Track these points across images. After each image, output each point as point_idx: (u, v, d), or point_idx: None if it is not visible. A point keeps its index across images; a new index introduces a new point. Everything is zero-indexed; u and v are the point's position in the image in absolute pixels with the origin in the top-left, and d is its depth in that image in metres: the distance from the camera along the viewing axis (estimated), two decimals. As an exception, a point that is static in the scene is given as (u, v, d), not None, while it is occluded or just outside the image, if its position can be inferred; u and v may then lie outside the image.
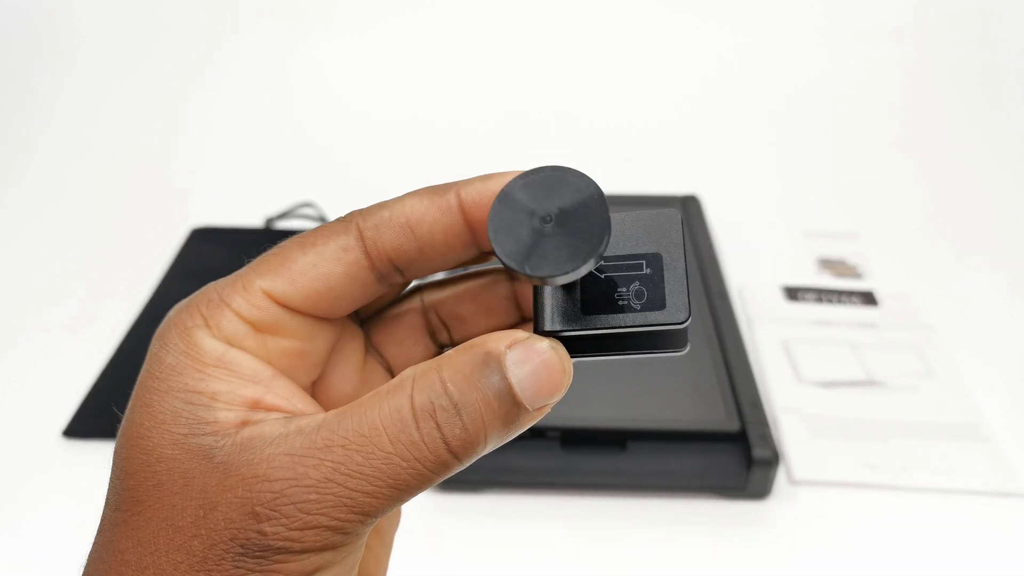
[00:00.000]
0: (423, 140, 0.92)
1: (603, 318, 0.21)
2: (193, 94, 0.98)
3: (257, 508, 0.18)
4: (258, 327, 0.22)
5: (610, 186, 0.80)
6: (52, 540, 0.49)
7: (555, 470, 0.52)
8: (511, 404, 0.19)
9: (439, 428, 0.19)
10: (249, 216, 0.79)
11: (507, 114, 0.95)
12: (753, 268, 0.74)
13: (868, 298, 0.70)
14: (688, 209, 0.76)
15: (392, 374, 0.26)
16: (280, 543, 0.18)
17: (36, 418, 0.58)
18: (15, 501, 0.53)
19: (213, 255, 0.74)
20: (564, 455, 0.52)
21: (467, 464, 0.20)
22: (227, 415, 0.20)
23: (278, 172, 0.88)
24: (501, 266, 0.21)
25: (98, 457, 0.54)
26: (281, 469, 0.19)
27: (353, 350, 0.25)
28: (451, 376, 0.19)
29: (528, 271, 0.19)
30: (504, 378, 0.19)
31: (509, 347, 0.20)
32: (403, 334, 0.26)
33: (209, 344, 0.21)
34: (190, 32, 1.01)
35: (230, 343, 0.21)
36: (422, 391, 0.19)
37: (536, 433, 0.52)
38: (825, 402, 0.59)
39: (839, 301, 0.69)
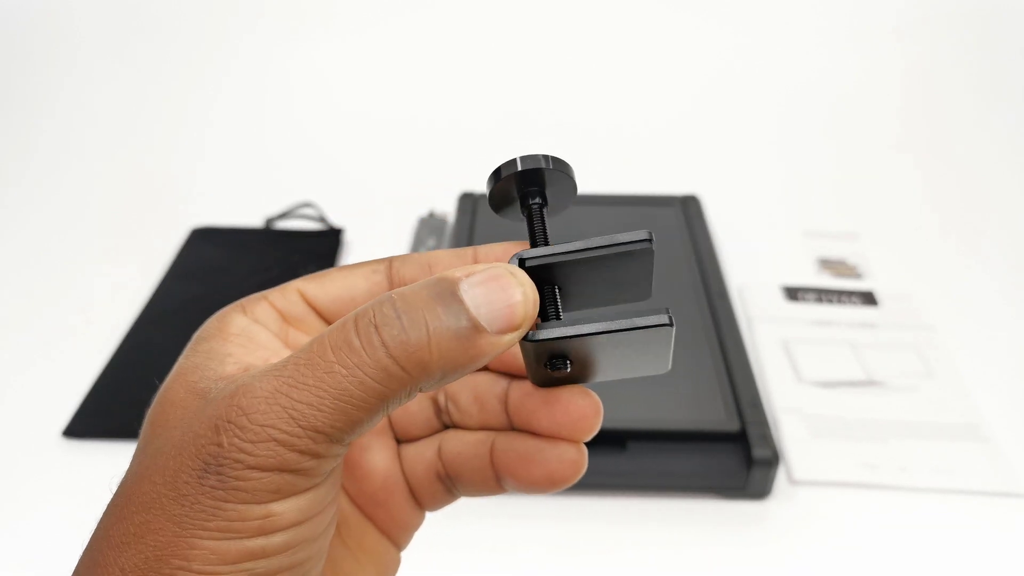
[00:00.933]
0: (423, 141, 0.92)
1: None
2: (193, 94, 0.98)
3: (219, 422, 0.19)
4: (286, 317, 0.24)
5: (611, 186, 0.81)
6: (52, 540, 0.49)
7: (555, 470, 0.52)
8: (464, 320, 0.19)
9: (377, 330, 0.19)
10: (249, 216, 0.79)
11: (507, 114, 0.95)
12: (753, 268, 0.74)
13: (868, 298, 0.70)
14: (688, 209, 0.76)
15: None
16: (235, 455, 0.19)
17: (36, 418, 0.58)
18: (15, 501, 0.53)
19: (213, 255, 0.74)
20: (564, 455, 0.52)
21: (422, 382, 0.19)
22: (233, 370, 0.22)
23: (278, 172, 0.88)
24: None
25: (98, 457, 0.55)
26: (246, 388, 0.19)
27: None
28: (400, 292, 0.20)
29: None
30: (455, 295, 0.19)
31: (467, 274, 0.20)
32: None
33: (238, 320, 0.23)
34: (190, 32, 1.01)
35: (257, 322, 0.24)
36: (368, 305, 0.20)
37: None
38: (825, 402, 0.59)
39: (839, 301, 0.69)
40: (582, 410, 0.25)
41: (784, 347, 0.64)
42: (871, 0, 1.00)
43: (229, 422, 0.19)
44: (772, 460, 0.51)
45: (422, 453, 0.27)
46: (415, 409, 0.27)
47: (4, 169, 0.89)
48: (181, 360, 0.23)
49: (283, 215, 0.79)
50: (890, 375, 0.61)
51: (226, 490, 0.19)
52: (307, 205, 0.80)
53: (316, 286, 0.24)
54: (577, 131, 0.93)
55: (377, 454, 0.27)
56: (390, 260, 0.25)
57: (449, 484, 0.27)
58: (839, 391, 0.60)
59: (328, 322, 0.25)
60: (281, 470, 0.19)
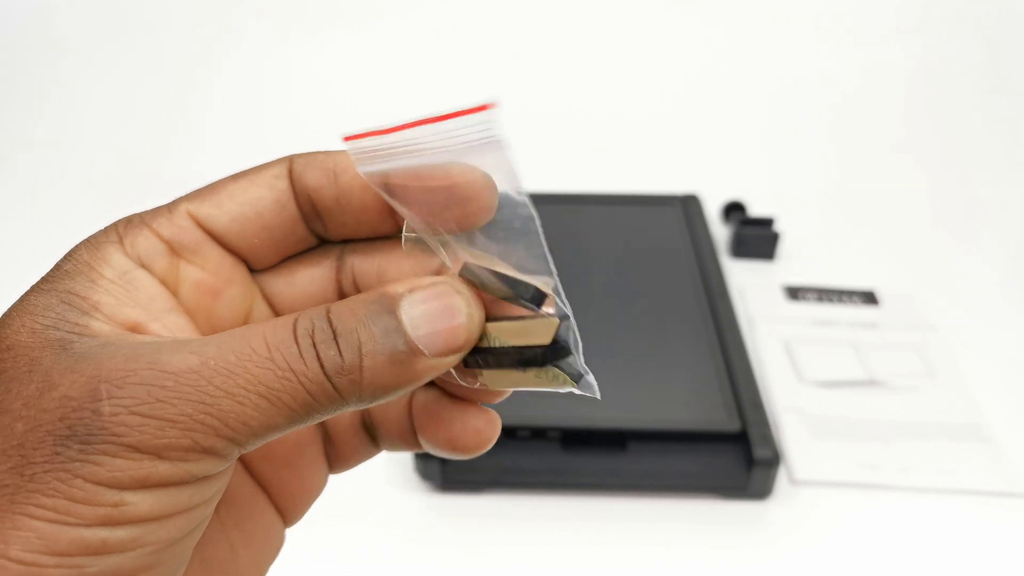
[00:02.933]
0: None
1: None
2: (193, 94, 0.98)
3: (102, 384, 0.16)
4: (175, 248, 0.20)
5: (611, 185, 0.80)
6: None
7: (555, 470, 0.52)
8: (401, 343, 0.18)
9: (315, 347, 0.17)
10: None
11: (506, 113, 0.94)
12: (754, 267, 0.74)
13: (869, 298, 0.70)
14: (688, 208, 0.76)
15: None
16: (114, 426, 0.16)
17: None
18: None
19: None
20: (564, 455, 0.52)
21: (352, 403, 0.18)
22: (100, 326, 0.18)
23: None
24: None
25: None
26: (145, 356, 0.17)
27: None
28: (336, 308, 0.18)
29: None
30: (394, 316, 0.18)
31: (410, 290, 0.18)
32: (312, 289, 0.23)
33: (115, 259, 0.19)
34: (189, 32, 1.01)
35: (140, 262, 0.20)
36: (306, 316, 0.18)
37: (536, 433, 0.52)
38: (826, 402, 0.59)
39: (840, 301, 0.69)
40: (477, 426, 0.22)
41: (785, 347, 0.64)
42: (870, 2, 1.00)
43: (119, 388, 0.16)
44: (773, 460, 0.50)
45: None
46: None
47: (3, 171, 0.89)
48: (31, 295, 0.19)
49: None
50: (891, 375, 0.61)
51: (84, 463, 0.16)
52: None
53: (211, 205, 0.20)
54: (577, 131, 0.93)
55: None
56: (290, 160, 0.21)
57: (373, 432, 0.24)
58: (840, 391, 0.60)
59: (230, 249, 0.21)
60: (160, 457, 0.16)
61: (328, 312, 0.18)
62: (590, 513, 0.52)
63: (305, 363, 0.17)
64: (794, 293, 0.70)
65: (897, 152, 0.91)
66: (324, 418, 0.18)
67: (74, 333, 0.18)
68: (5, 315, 0.19)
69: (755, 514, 0.52)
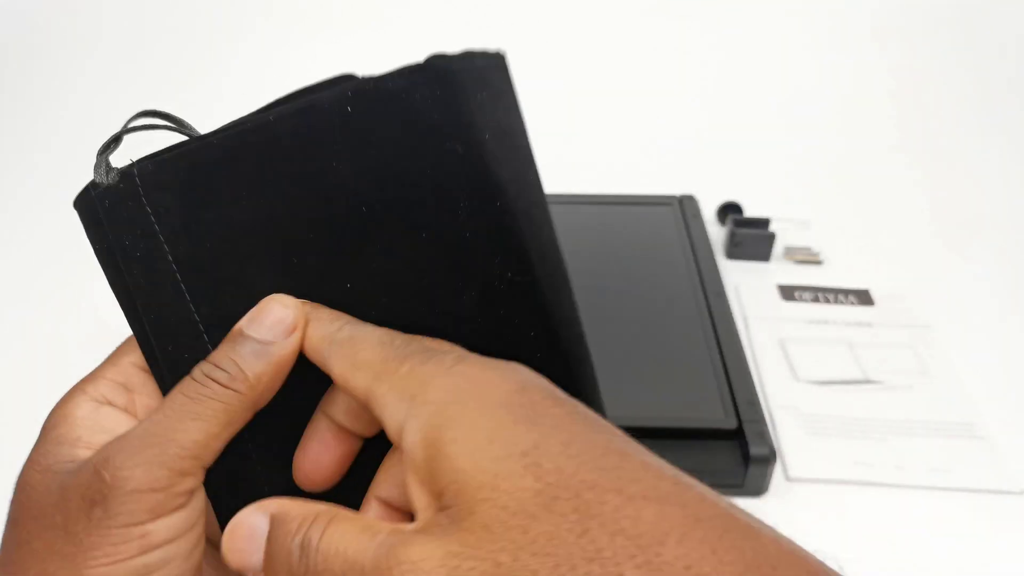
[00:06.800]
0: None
1: None
2: (192, 95, 0.98)
3: (98, 465, 0.23)
4: (128, 387, 0.27)
5: (608, 186, 0.81)
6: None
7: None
8: (254, 344, 0.24)
9: (209, 375, 0.24)
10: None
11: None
12: (749, 267, 0.74)
13: (864, 297, 0.70)
14: (685, 208, 0.76)
15: None
16: (116, 482, 0.22)
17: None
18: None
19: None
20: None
21: (257, 397, 0.24)
22: (83, 451, 0.24)
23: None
24: None
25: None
26: (119, 439, 0.23)
27: None
28: (212, 356, 0.25)
29: None
30: (242, 334, 0.25)
31: (246, 319, 0.25)
32: None
33: (84, 405, 0.26)
34: (190, 32, 1.01)
35: (105, 401, 0.26)
36: (198, 365, 0.25)
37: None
38: (821, 400, 0.59)
39: (835, 300, 0.70)
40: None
41: (781, 346, 0.65)
42: (865, 5, 1.01)
43: (107, 461, 0.23)
44: (769, 457, 0.51)
45: None
46: None
47: (4, 175, 0.89)
48: (32, 452, 0.25)
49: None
50: (886, 373, 0.62)
51: (111, 516, 0.22)
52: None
53: (139, 355, 0.27)
54: (576, 131, 0.93)
55: None
56: None
57: None
58: (835, 389, 0.60)
59: None
60: (155, 490, 0.22)
61: (209, 359, 0.25)
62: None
63: (212, 392, 0.24)
64: (789, 292, 0.71)
65: (891, 153, 0.91)
66: (245, 420, 0.24)
67: (68, 460, 0.24)
68: (21, 471, 0.25)
69: (751, 510, 0.52)
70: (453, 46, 0.25)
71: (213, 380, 0.24)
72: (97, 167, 0.27)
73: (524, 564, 0.17)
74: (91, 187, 0.27)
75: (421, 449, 0.20)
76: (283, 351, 0.24)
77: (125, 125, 0.28)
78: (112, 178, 0.26)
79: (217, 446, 0.24)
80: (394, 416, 0.21)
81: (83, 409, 0.26)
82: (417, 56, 0.24)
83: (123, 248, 0.26)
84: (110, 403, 0.26)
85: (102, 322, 0.67)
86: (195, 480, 0.23)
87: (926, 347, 0.65)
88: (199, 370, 0.24)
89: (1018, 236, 0.79)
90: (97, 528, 0.22)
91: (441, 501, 0.19)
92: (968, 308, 0.70)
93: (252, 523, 0.22)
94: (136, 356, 0.27)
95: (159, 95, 0.98)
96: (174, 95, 0.98)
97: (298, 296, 0.25)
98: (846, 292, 0.71)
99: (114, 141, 0.27)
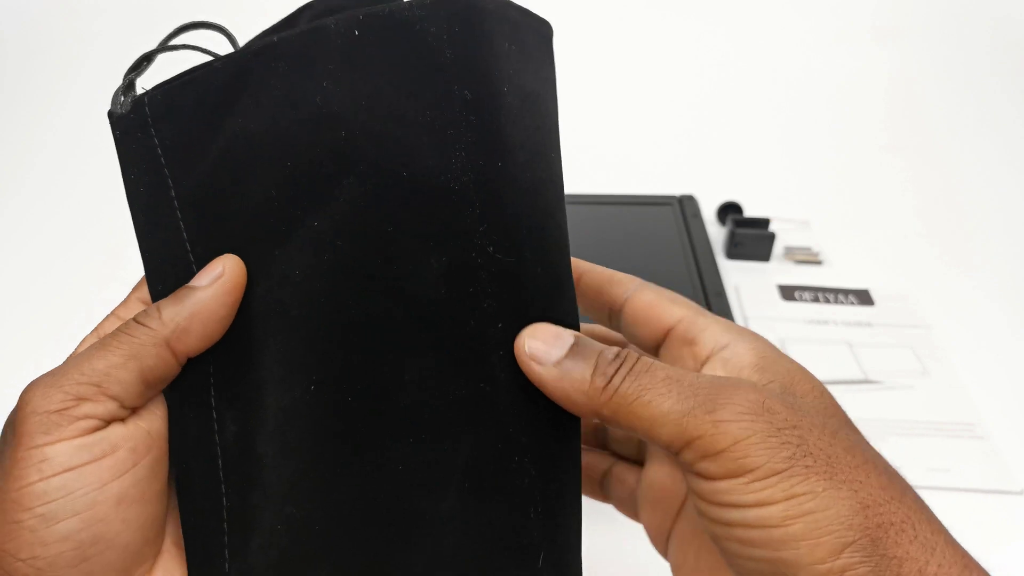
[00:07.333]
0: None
1: None
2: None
3: (21, 395, 0.24)
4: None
5: (609, 186, 0.81)
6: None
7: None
8: (198, 293, 0.26)
9: (141, 324, 0.26)
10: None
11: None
12: (749, 267, 0.74)
13: (864, 297, 0.70)
14: (685, 208, 0.76)
15: None
16: (24, 404, 0.23)
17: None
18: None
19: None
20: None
21: (187, 346, 0.25)
22: None
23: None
24: None
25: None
26: (47, 372, 0.25)
27: None
28: (154, 305, 0.27)
29: None
30: (187, 288, 0.26)
31: (195, 278, 0.26)
32: None
33: (88, 342, 0.27)
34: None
35: None
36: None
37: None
38: (821, 400, 0.59)
39: (835, 300, 0.70)
40: None
41: (781, 345, 0.65)
42: (867, 4, 1.01)
43: (24, 389, 0.24)
44: (769, 458, 0.51)
45: None
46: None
47: (6, 179, 0.89)
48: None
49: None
50: (886, 374, 0.62)
51: (16, 437, 0.23)
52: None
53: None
54: (576, 132, 0.93)
55: None
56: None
57: None
58: (835, 389, 0.60)
59: None
60: (48, 412, 0.23)
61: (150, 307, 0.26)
62: (588, 510, 0.52)
63: (125, 326, 0.25)
64: (789, 293, 0.71)
65: (891, 154, 0.91)
66: (158, 356, 0.25)
67: None
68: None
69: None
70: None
71: (133, 321, 0.25)
72: (116, 94, 0.26)
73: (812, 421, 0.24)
74: (108, 116, 0.26)
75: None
76: (201, 294, 0.25)
77: (162, 42, 0.27)
78: (124, 107, 0.26)
79: (123, 376, 0.24)
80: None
81: (86, 346, 0.27)
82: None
83: (129, 181, 0.26)
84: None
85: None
86: (97, 407, 0.24)
87: (926, 347, 0.65)
88: (131, 319, 0.26)
89: (1018, 237, 0.79)
90: (11, 451, 0.23)
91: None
92: (968, 308, 0.70)
93: (559, 330, 0.24)
94: (144, 291, 0.28)
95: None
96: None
97: (277, 235, 0.25)
98: (846, 292, 0.71)
99: (145, 60, 0.27)
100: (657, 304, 0.29)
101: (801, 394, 0.26)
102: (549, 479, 0.25)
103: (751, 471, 0.22)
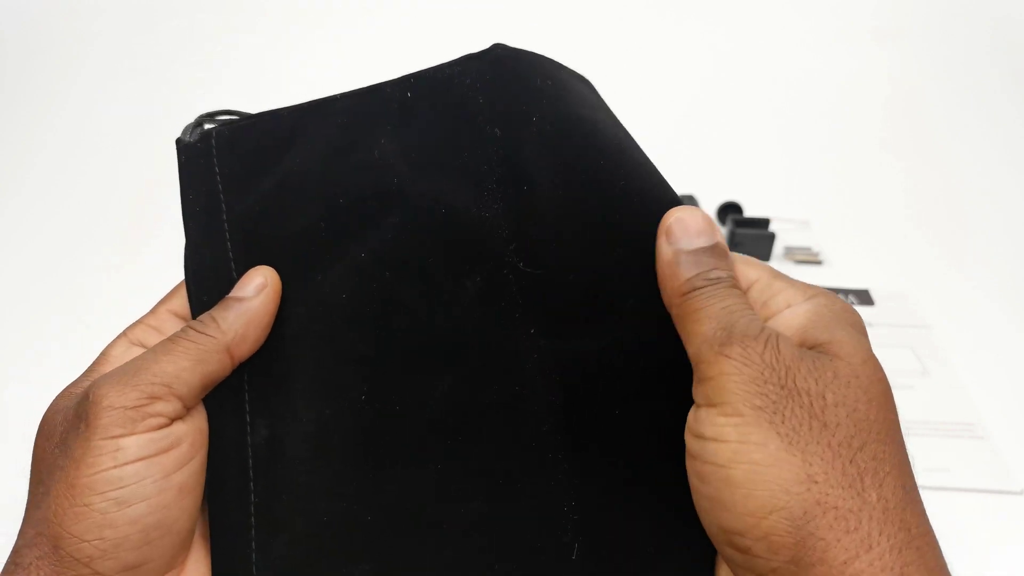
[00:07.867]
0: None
1: None
2: (193, 94, 0.98)
3: (90, 389, 0.26)
4: (159, 330, 0.31)
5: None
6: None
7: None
8: (237, 304, 0.29)
9: (202, 333, 0.28)
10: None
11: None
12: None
13: (864, 297, 0.70)
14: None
15: None
16: (97, 399, 0.26)
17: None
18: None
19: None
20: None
21: (230, 346, 0.28)
22: None
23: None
24: None
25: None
26: (115, 370, 0.27)
27: None
28: (206, 315, 0.30)
29: None
30: (232, 298, 0.29)
31: (237, 287, 0.30)
32: None
33: (119, 346, 0.30)
34: (190, 33, 1.01)
35: (139, 343, 0.30)
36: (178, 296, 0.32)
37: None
38: (821, 400, 0.59)
39: (835, 300, 0.70)
40: None
41: (780, 346, 0.65)
42: (861, 5, 1.01)
43: (95, 384, 0.26)
44: (769, 458, 0.51)
45: None
46: None
47: (7, 182, 0.89)
48: (71, 383, 0.29)
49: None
50: (886, 373, 0.61)
51: (91, 429, 0.25)
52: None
53: (180, 300, 0.31)
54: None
55: None
56: None
57: None
58: (835, 389, 0.60)
59: None
60: (125, 407, 0.25)
61: (206, 315, 0.29)
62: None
63: (187, 333, 0.28)
64: (789, 293, 0.71)
65: (891, 154, 0.91)
66: (221, 362, 0.28)
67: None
68: (55, 399, 0.29)
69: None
70: (452, 47, 0.25)
71: (191, 328, 0.28)
72: (188, 127, 0.30)
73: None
74: (176, 142, 0.30)
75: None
76: (252, 303, 0.28)
77: (210, 114, 0.31)
78: (193, 137, 0.29)
79: (189, 378, 0.27)
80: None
81: (118, 349, 0.30)
82: (414, 56, 0.24)
83: (187, 202, 0.29)
84: (142, 344, 0.30)
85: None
86: (167, 406, 0.26)
87: (926, 347, 0.65)
88: (187, 325, 0.29)
89: (1018, 236, 0.79)
90: (83, 440, 0.25)
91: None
92: (968, 308, 0.70)
93: (706, 227, 0.27)
94: (172, 304, 0.31)
95: (160, 93, 0.98)
96: (175, 94, 0.98)
97: (321, 261, 0.28)
98: (846, 292, 0.71)
99: (207, 118, 0.31)
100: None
101: (834, 364, 0.26)
102: (585, 475, 0.26)
103: (719, 405, 0.23)
